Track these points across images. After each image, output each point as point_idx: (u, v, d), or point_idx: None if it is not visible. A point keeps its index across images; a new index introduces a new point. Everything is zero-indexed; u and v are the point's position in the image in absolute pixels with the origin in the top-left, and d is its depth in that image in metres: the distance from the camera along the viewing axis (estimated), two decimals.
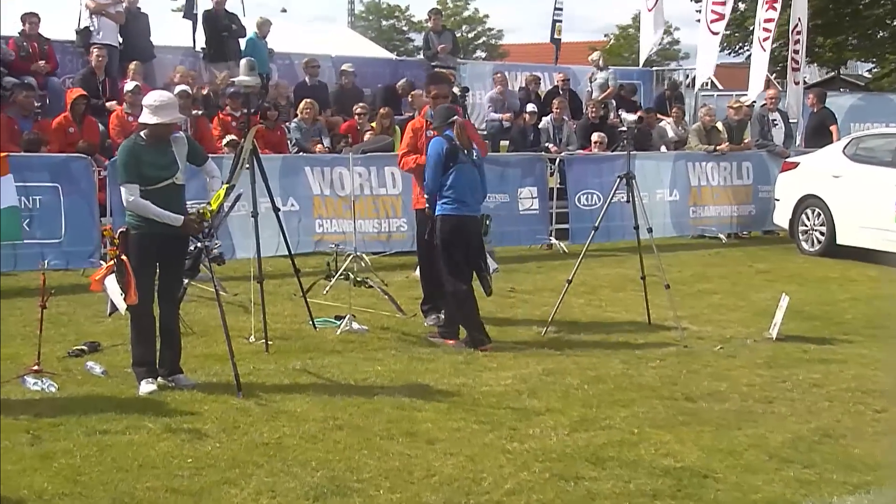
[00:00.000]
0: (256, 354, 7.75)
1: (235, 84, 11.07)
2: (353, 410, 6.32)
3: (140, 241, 6.67)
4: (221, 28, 15.30)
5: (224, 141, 12.91)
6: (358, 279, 8.96)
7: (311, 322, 8.75)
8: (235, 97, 13.28)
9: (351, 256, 9.72)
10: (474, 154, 8.33)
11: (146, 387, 6.67)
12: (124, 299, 6.56)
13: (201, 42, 15.63)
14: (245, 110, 9.96)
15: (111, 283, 6.63)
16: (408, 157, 8.88)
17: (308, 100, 14.40)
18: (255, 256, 8.32)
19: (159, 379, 6.79)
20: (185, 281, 8.06)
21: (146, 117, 6.68)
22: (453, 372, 7.32)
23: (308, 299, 8.83)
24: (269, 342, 7.93)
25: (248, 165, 8.50)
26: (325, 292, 9.62)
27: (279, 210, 9.06)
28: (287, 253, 9.15)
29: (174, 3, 32.64)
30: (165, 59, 15.27)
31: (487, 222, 8.70)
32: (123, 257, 6.59)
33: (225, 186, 7.30)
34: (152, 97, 6.78)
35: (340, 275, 9.21)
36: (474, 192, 8.33)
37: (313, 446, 5.65)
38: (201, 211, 6.92)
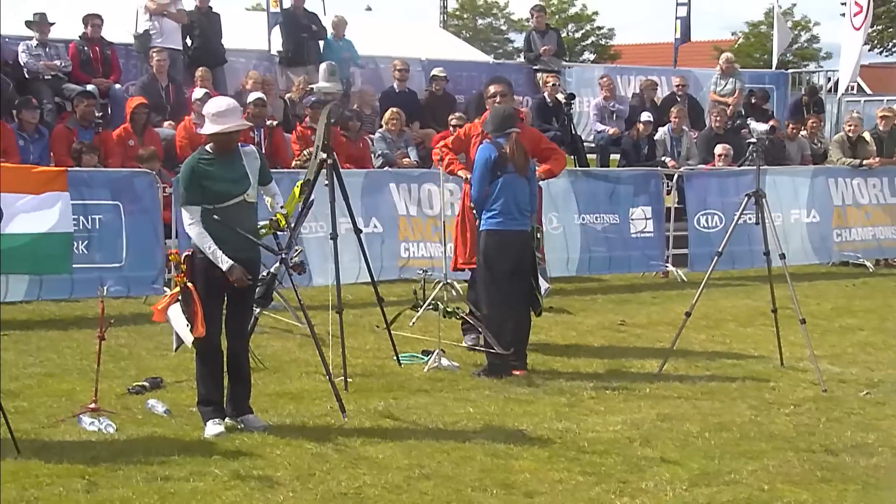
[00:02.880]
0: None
1: (315, 91, 11.24)
2: (441, 458, 6.33)
3: (207, 266, 6.69)
4: (300, 29, 15.59)
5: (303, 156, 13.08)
6: (448, 309, 8.99)
7: (395, 357, 8.81)
8: (315, 106, 13.47)
9: (441, 284, 9.77)
10: (529, 171, 8.56)
11: (213, 428, 6.74)
12: (190, 331, 6.60)
13: (277, 44, 15.93)
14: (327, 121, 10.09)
15: (175, 314, 6.68)
16: (445, 152, 9.22)
17: (395, 108, 14.54)
18: (334, 283, 8.41)
19: (227, 420, 6.88)
20: (257, 310, 8.21)
21: (208, 127, 6.80)
22: (555, 415, 7.30)
23: (392, 332, 8.90)
24: (349, 379, 8.01)
25: (326, 182, 8.62)
26: (411, 324, 9.69)
27: (361, 232, 9.16)
28: (369, 280, 9.24)
29: (248, 2, 33.35)
30: (237, 63, 15.60)
31: (539, 235, 8.78)
32: (189, 284, 6.67)
33: (299, 183, 7.49)
34: (212, 105, 6.90)
35: (429, 305, 9.26)
36: (522, 205, 8.48)
37: (397, 497, 5.68)
38: (275, 218, 7.01)
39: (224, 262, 6.62)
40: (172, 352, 7.64)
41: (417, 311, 9.48)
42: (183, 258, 6.83)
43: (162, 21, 14.49)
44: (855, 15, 17.76)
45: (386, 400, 7.66)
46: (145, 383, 7.86)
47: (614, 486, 5.88)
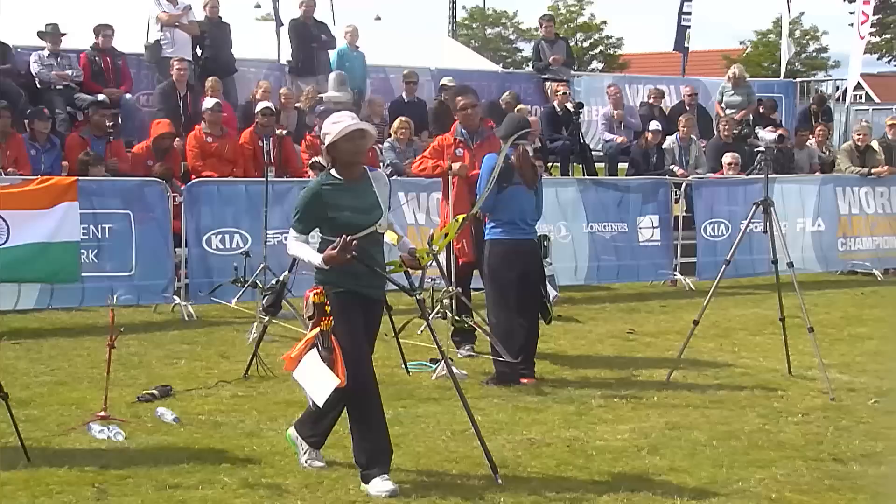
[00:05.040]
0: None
1: (324, 100, 11.30)
2: (450, 466, 6.33)
3: (342, 302, 5.89)
4: (310, 38, 15.62)
5: (310, 162, 13.11)
6: (457, 318, 9.00)
7: (403, 366, 8.81)
8: (325, 116, 13.46)
9: (449, 293, 9.76)
10: (535, 184, 8.63)
11: (382, 485, 5.78)
12: (335, 376, 5.78)
13: (287, 54, 15.97)
14: None
15: (312, 363, 5.86)
16: (426, 161, 9.33)
17: (403, 118, 14.55)
18: None
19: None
20: (265, 318, 8.22)
21: (328, 139, 5.98)
22: (564, 424, 7.29)
23: (401, 340, 8.89)
24: None
25: None
26: (419, 332, 9.68)
27: None
28: None
29: (259, 12, 33.42)
30: (248, 73, 15.65)
31: (546, 244, 8.81)
32: (322, 327, 5.85)
33: (460, 218, 6.95)
34: (329, 120, 6.10)
35: (437, 313, 9.25)
36: (528, 216, 8.53)
37: None
38: (416, 254, 6.24)
39: (318, 261, 5.81)
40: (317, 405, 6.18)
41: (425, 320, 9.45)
42: (312, 295, 5.89)
43: (173, 32, 14.54)
44: (862, 24, 17.76)
45: (395, 408, 7.64)
46: (155, 391, 7.86)
47: (623, 495, 5.86)
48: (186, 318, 11.04)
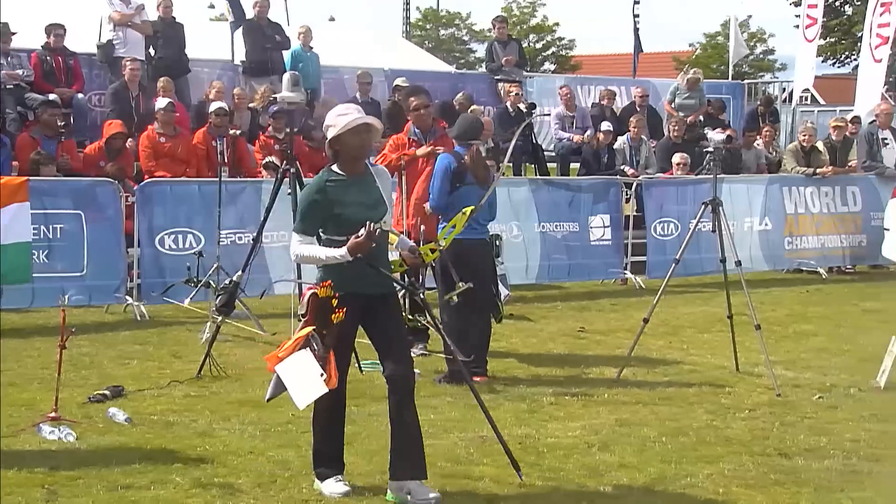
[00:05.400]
0: None
1: (278, 101, 11.25)
2: None
3: (339, 305, 5.63)
4: (264, 39, 15.54)
5: (263, 162, 13.06)
6: (410, 317, 8.98)
7: (357, 365, 8.76)
8: (278, 116, 13.44)
9: (403, 292, 9.74)
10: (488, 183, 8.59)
11: (336, 487, 5.75)
12: (326, 383, 5.49)
13: (241, 55, 15.87)
14: (288, 130, 10.09)
15: (302, 362, 5.53)
16: (390, 156, 9.34)
17: None
18: (296, 291, 8.37)
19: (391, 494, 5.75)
20: (218, 318, 8.16)
21: (332, 132, 5.75)
22: (515, 421, 7.30)
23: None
24: None
25: (289, 191, 8.61)
26: None
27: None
28: None
29: (212, 12, 33.22)
30: (201, 73, 15.54)
31: (498, 243, 8.82)
32: (314, 328, 5.59)
33: (468, 210, 6.78)
34: (333, 111, 5.89)
35: None
36: (481, 216, 8.50)
37: (358, 503, 5.65)
38: (418, 252, 6.06)
39: (340, 253, 5.52)
40: (264, 401, 6.18)
41: None
42: (307, 297, 5.66)
43: (126, 31, 14.40)
44: (808, 27, 17.97)
45: (348, 407, 7.58)
46: (107, 392, 7.77)
47: (573, 491, 5.89)
48: (139, 319, 10.93)
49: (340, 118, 5.73)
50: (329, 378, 5.49)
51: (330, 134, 5.75)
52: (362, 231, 5.46)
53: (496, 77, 17.53)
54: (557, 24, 57.11)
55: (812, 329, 11.05)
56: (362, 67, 16.41)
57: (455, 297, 7.77)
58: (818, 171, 15.36)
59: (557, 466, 6.29)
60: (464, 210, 6.76)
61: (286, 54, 15.74)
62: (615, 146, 15.91)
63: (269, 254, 11.37)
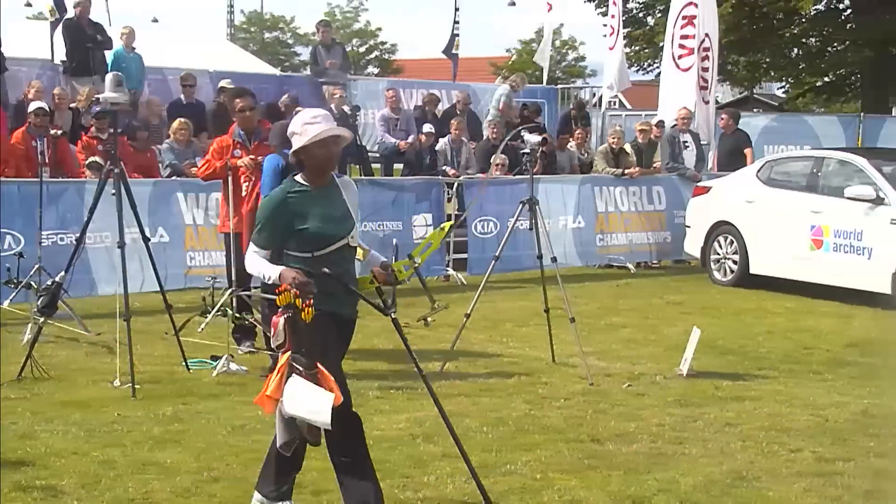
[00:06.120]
0: (122, 400, 7.59)
1: (101, 101, 10.94)
2: (231, 460, 6.24)
3: (319, 322, 5.03)
4: (85, 39, 15.06)
5: (87, 163, 12.66)
6: (237, 316, 8.88)
7: (184, 363, 8.62)
8: (101, 116, 13.05)
9: (230, 291, 9.62)
10: None
11: None
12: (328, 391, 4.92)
13: (61, 54, 15.34)
14: (112, 130, 9.81)
15: (297, 390, 4.93)
16: (210, 164, 9.26)
17: (182, 119, 14.24)
18: (121, 292, 8.16)
19: None
20: (41, 319, 7.88)
21: (298, 141, 5.16)
22: None
23: (181, 338, 8.70)
24: (137, 386, 7.79)
25: (113, 191, 8.38)
26: (199, 330, 9.49)
27: (149, 240, 8.96)
28: (156, 288, 9.02)
29: (30, 10, 31.98)
30: (19, 72, 14.96)
31: None
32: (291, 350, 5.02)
33: (446, 226, 6.30)
34: (300, 116, 5.29)
35: (217, 311, 9.10)
36: None
37: (185, 501, 5.57)
38: (391, 269, 5.55)
39: (274, 272, 5.04)
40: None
41: (206, 318, 9.30)
42: (282, 322, 4.99)
43: None
44: (610, 34, 18.56)
45: (175, 405, 7.48)
46: None
47: (398, 481, 5.93)
48: None
49: (308, 127, 5.15)
50: (336, 396, 4.92)
51: (296, 143, 5.17)
52: (300, 276, 4.92)
53: (321, 80, 17.43)
54: (380, 28, 57.34)
55: (622, 321, 11.38)
56: (186, 69, 16.09)
57: (431, 319, 7.53)
58: (626, 171, 15.82)
59: (384, 458, 6.30)
60: (442, 226, 6.40)
61: (108, 55, 15.31)
62: (437, 148, 16.05)
63: (93, 254, 11.05)
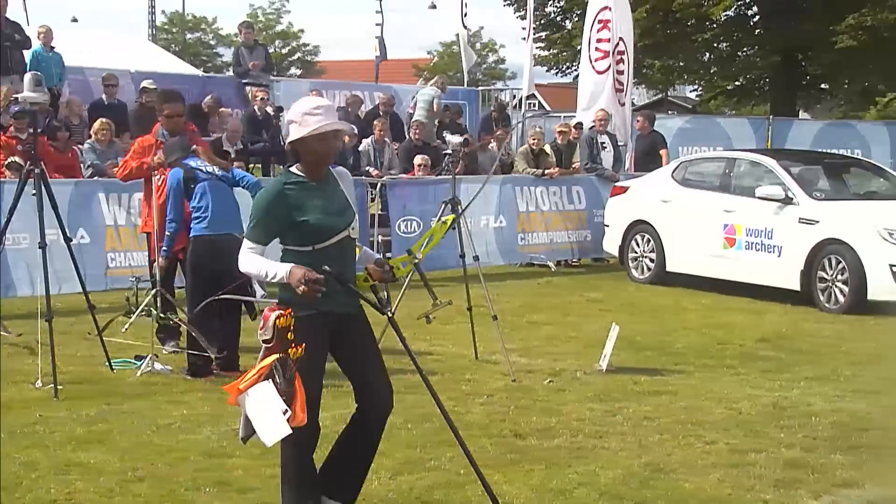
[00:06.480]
0: (44, 401, 7.45)
1: (20, 101, 10.72)
2: (155, 459, 6.16)
3: (308, 329, 4.84)
4: (2, 38, 14.74)
5: (6, 162, 12.39)
6: (161, 316, 8.76)
7: (107, 363, 8.49)
8: (20, 116, 12.79)
9: (153, 291, 9.50)
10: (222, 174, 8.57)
11: None
12: (288, 420, 4.69)
13: None
14: (31, 130, 9.62)
15: (265, 396, 4.70)
16: (128, 165, 9.22)
17: (103, 119, 14.02)
18: (41, 293, 8.02)
19: None
20: None
21: (296, 131, 4.90)
22: None
23: (105, 339, 8.57)
24: (60, 387, 7.65)
25: (34, 191, 8.23)
26: (123, 330, 9.34)
27: (71, 240, 8.81)
28: (78, 289, 8.88)
29: None
30: None
31: None
32: (283, 355, 4.77)
33: (448, 219, 5.96)
34: (301, 105, 4.97)
35: (142, 311, 8.97)
36: (230, 210, 8.48)
37: (109, 501, 5.49)
38: (388, 264, 5.28)
39: (281, 274, 4.78)
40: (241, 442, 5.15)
41: (130, 318, 9.16)
42: (272, 319, 4.77)
43: None
44: (525, 39, 18.75)
45: (99, 406, 7.36)
46: None
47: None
48: None
49: (308, 118, 4.87)
50: (294, 415, 4.69)
51: (293, 132, 4.91)
52: (316, 274, 4.70)
53: (244, 81, 17.30)
54: (302, 30, 57.14)
55: (543, 318, 11.45)
56: (108, 69, 15.85)
57: (433, 316, 7.27)
58: (546, 172, 15.93)
59: None
60: (444, 219, 6.21)
61: (27, 54, 15.00)
62: (360, 148, 15.99)
63: (12, 256, 10.82)
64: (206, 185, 8.36)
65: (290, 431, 4.65)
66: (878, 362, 9.25)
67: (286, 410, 4.65)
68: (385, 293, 5.20)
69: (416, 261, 5.50)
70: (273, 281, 4.83)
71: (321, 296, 4.75)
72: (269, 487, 5.72)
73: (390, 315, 5.24)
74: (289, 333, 4.74)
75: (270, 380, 4.69)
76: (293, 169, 4.98)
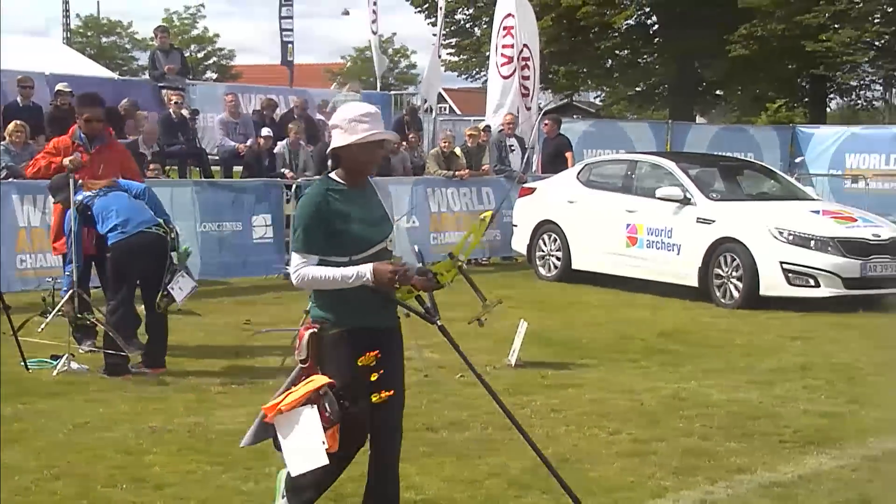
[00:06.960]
0: None
1: None
2: (73, 458, 6.04)
3: (346, 343, 4.56)
4: None
5: None
6: (78, 315, 8.59)
7: (23, 363, 8.30)
8: None
9: (70, 291, 9.30)
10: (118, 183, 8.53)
11: None
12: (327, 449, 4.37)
13: None
14: None
15: (306, 423, 4.38)
16: (41, 163, 9.11)
17: (18, 121, 13.67)
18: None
19: None
20: None
21: (340, 139, 4.56)
22: (185, 411, 7.16)
23: (20, 338, 8.37)
24: None
25: None
26: (39, 330, 9.13)
27: None
28: None
29: None
30: None
31: (173, 236, 8.59)
32: (322, 377, 4.47)
33: (487, 216, 5.71)
34: (347, 110, 4.64)
35: (58, 311, 8.78)
36: (134, 207, 8.39)
37: (25, 500, 5.37)
38: (431, 272, 4.91)
39: (365, 271, 4.47)
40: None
41: (46, 318, 8.96)
42: (307, 336, 4.57)
43: None
44: (434, 45, 18.83)
45: (14, 406, 7.19)
46: None
47: (241, 473, 5.85)
48: None
49: (356, 125, 4.54)
50: (331, 442, 4.38)
51: (337, 138, 4.58)
52: (398, 266, 4.46)
53: (160, 84, 17.04)
54: (218, 35, 56.40)
55: (454, 315, 11.33)
56: (22, 72, 15.45)
57: (484, 318, 6.95)
58: (457, 173, 16.00)
59: (226, 451, 6.22)
60: (482, 216, 5.76)
61: None
62: (275, 151, 15.87)
63: None
64: (102, 201, 8.28)
65: (327, 461, 4.36)
66: (769, 354, 9.49)
67: (324, 442, 4.35)
68: (430, 301, 4.90)
69: (459, 264, 5.17)
70: (355, 285, 4.48)
71: (358, 313, 4.55)
72: (185, 483, 5.66)
73: (440, 324, 4.93)
74: (372, 374, 4.45)
75: (316, 406, 4.38)
76: (333, 175, 4.65)
